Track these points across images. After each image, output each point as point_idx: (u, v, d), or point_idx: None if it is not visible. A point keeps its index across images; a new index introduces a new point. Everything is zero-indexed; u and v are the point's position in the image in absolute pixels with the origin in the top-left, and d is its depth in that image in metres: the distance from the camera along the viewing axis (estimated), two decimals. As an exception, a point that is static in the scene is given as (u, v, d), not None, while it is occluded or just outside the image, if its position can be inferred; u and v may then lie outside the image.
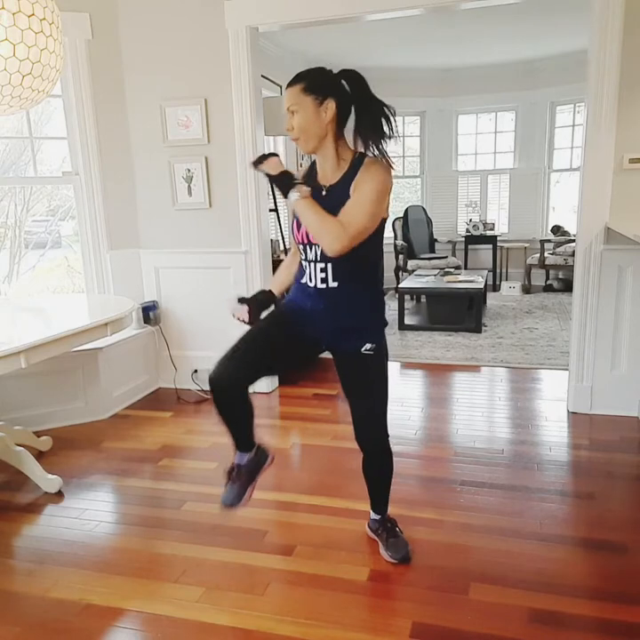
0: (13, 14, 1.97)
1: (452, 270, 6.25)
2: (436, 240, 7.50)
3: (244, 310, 1.92)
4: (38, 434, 3.09)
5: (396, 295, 5.77)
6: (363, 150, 1.80)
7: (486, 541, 2.16)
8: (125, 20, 3.58)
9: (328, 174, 1.83)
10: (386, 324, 1.99)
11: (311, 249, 1.83)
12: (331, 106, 1.73)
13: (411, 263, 6.90)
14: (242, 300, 1.95)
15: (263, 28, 3.46)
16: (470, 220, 7.45)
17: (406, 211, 7.17)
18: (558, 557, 2.06)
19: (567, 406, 3.40)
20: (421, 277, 6.00)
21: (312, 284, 1.87)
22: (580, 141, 5.27)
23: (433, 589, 1.92)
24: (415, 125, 7.72)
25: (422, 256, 7.03)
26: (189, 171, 3.65)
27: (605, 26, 2.88)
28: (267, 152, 1.87)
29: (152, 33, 3.55)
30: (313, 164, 1.89)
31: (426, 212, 7.44)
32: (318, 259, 1.83)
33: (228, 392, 1.86)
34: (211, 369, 1.84)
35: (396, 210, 7.99)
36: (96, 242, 3.72)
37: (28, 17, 2.01)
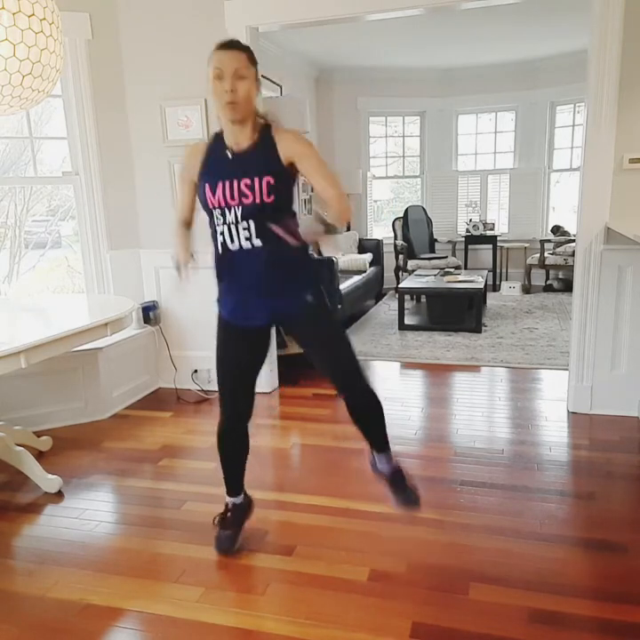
0: (13, 14, 1.97)
1: (452, 270, 6.25)
2: (436, 240, 7.50)
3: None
4: (38, 434, 3.09)
5: (396, 295, 5.77)
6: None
7: (486, 541, 2.16)
8: (125, 20, 3.58)
9: (239, 141, 1.86)
10: (319, 280, 2.02)
11: (230, 211, 1.84)
12: (259, 84, 1.85)
13: (411, 263, 6.90)
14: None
15: (263, 28, 3.46)
16: (470, 220, 7.45)
17: (406, 211, 7.17)
18: (558, 557, 2.06)
19: (567, 406, 3.40)
20: (421, 277, 6.00)
21: (235, 247, 1.87)
22: (580, 141, 5.27)
23: (433, 589, 1.92)
24: (415, 125, 7.72)
25: (422, 256, 7.03)
26: (189, 171, 3.65)
27: (605, 26, 2.88)
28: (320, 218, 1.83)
29: (152, 33, 3.55)
30: (217, 135, 1.91)
31: (426, 212, 7.44)
32: (239, 219, 1.84)
33: (239, 430, 2.09)
34: (220, 416, 2.07)
35: (395, 210, 8.00)
36: (96, 242, 3.73)
37: (28, 17, 2.01)
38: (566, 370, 3.52)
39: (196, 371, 3.89)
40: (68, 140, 3.62)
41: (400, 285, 5.83)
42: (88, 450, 3.08)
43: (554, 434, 3.10)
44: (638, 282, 3.13)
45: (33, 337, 2.35)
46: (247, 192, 1.82)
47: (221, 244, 1.89)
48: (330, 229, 1.82)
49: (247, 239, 1.85)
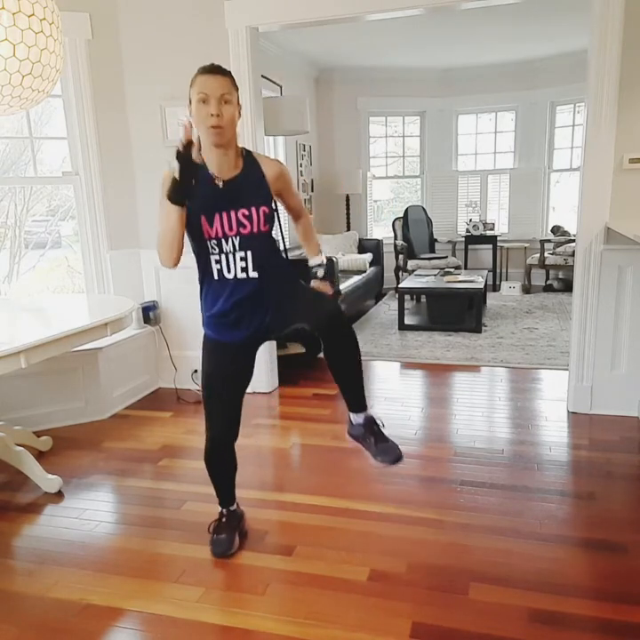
0: (13, 14, 1.97)
1: (452, 270, 6.25)
2: (436, 240, 7.50)
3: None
4: (38, 434, 3.09)
5: (396, 295, 5.77)
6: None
7: (486, 541, 2.16)
8: (125, 20, 3.58)
9: (226, 168, 1.86)
10: (292, 268, 2.09)
11: (228, 241, 1.86)
12: (241, 105, 1.86)
13: (411, 263, 6.90)
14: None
15: (263, 28, 3.46)
16: (470, 220, 7.45)
17: (406, 211, 7.16)
18: (558, 557, 2.06)
19: (567, 406, 3.40)
20: (421, 277, 6.00)
21: (231, 275, 1.89)
22: (580, 141, 5.27)
23: (433, 589, 1.92)
24: (415, 125, 7.72)
25: (422, 256, 7.03)
26: (189, 171, 3.64)
27: (605, 26, 2.88)
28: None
29: (152, 33, 3.55)
30: (195, 165, 1.74)
31: (426, 212, 7.44)
32: (237, 248, 1.87)
33: (227, 448, 2.10)
34: (207, 436, 2.07)
35: (396, 210, 8.00)
36: (96, 242, 3.73)
37: (28, 17, 2.01)
38: (566, 370, 3.52)
39: (195, 371, 3.88)
40: (68, 140, 3.62)
41: (400, 285, 5.83)
42: (88, 450, 3.08)
43: (554, 434, 3.10)
44: (638, 282, 3.13)
45: (33, 337, 2.35)
46: (245, 222, 1.85)
47: (217, 271, 1.90)
48: (330, 280, 2.04)
49: (243, 269, 1.88)
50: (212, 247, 1.88)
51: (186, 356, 3.91)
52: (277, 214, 1.98)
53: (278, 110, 4.62)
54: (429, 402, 3.69)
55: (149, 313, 3.84)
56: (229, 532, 2.18)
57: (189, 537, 2.25)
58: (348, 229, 7.23)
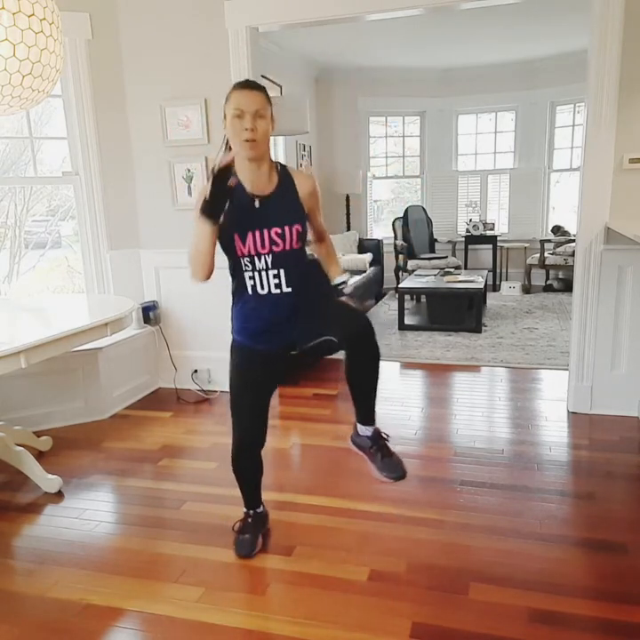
0: (13, 14, 1.97)
1: (452, 270, 6.25)
2: (436, 240, 7.50)
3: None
4: (38, 434, 3.09)
5: (396, 295, 5.76)
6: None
7: (486, 541, 2.16)
8: (125, 20, 3.58)
9: (260, 184, 1.87)
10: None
11: (260, 259, 1.87)
12: (274, 120, 1.87)
13: (411, 263, 6.90)
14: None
15: (263, 28, 3.46)
16: (470, 220, 7.45)
17: (406, 211, 7.17)
18: (558, 557, 2.06)
19: (567, 406, 3.40)
20: (421, 277, 6.00)
21: (264, 291, 1.90)
22: (580, 141, 5.27)
23: (433, 589, 1.92)
24: (415, 125, 7.72)
25: (422, 256, 7.03)
26: (189, 171, 3.65)
27: (605, 26, 2.88)
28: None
29: (152, 33, 3.55)
30: (229, 175, 1.74)
31: (426, 212, 7.44)
32: (270, 266, 1.88)
33: (255, 453, 2.11)
34: (235, 440, 2.08)
35: (395, 210, 8.00)
36: (96, 242, 3.73)
37: (28, 17, 2.01)
38: (566, 370, 3.52)
39: (195, 371, 3.89)
40: (68, 140, 3.62)
41: (400, 285, 5.83)
42: (88, 450, 3.08)
43: (554, 434, 3.10)
44: (638, 282, 3.13)
45: (33, 337, 2.35)
46: (278, 240, 1.86)
47: (251, 287, 1.92)
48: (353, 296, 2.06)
49: (277, 286, 1.89)
50: (246, 264, 1.89)
51: (186, 356, 3.91)
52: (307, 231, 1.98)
53: (278, 110, 4.60)
54: (429, 402, 3.69)
55: (149, 313, 3.84)
56: (254, 533, 2.18)
57: (189, 537, 2.25)
58: (348, 229, 7.22)
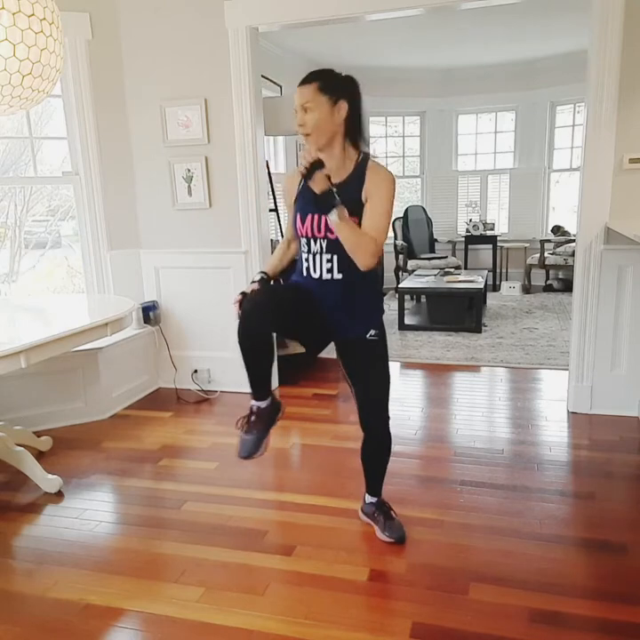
0: (13, 14, 1.97)
1: (452, 270, 6.25)
2: (435, 240, 7.51)
3: (253, 287, 2.00)
4: (38, 434, 3.09)
5: (396, 295, 5.76)
6: (365, 150, 1.94)
7: (486, 541, 2.16)
8: (125, 19, 3.58)
9: (333, 171, 1.89)
10: (383, 311, 2.13)
11: (316, 242, 1.94)
12: (343, 106, 1.85)
13: (411, 263, 6.90)
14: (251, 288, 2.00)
15: (263, 28, 3.46)
16: (470, 220, 7.45)
17: (406, 211, 7.17)
18: (558, 557, 2.06)
19: (567, 406, 3.40)
20: (421, 277, 6.00)
21: (316, 275, 1.97)
22: (580, 141, 5.27)
23: (433, 589, 1.92)
24: (415, 125, 7.72)
25: (422, 256, 7.03)
26: (189, 171, 3.65)
27: (605, 26, 2.88)
28: (313, 159, 1.82)
29: (152, 33, 3.55)
30: (317, 163, 1.84)
31: (426, 212, 7.44)
32: (324, 251, 1.93)
33: (265, 317, 1.85)
34: (247, 302, 1.88)
35: (395, 210, 7.96)
36: (96, 242, 3.73)
37: (28, 17, 2.01)
38: (566, 370, 3.52)
39: (196, 371, 3.89)
40: (67, 140, 3.62)
41: (400, 285, 5.83)
42: (88, 450, 3.07)
43: (554, 434, 3.10)
44: (638, 282, 3.13)
45: (33, 337, 2.35)
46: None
47: (306, 269, 1.97)
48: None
49: (328, 271, 1.94)
50: (303, 245, 1.98)
51: (186, 356, 3.91)
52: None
53: (278, 110, 4.61)
54: (429, 402, 3.69)
55: (149, 313, 3.84)
56: (258, 432, 2.00)
57: (189, 537, 2.25)
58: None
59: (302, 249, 1.99)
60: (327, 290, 1.95)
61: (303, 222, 1.93)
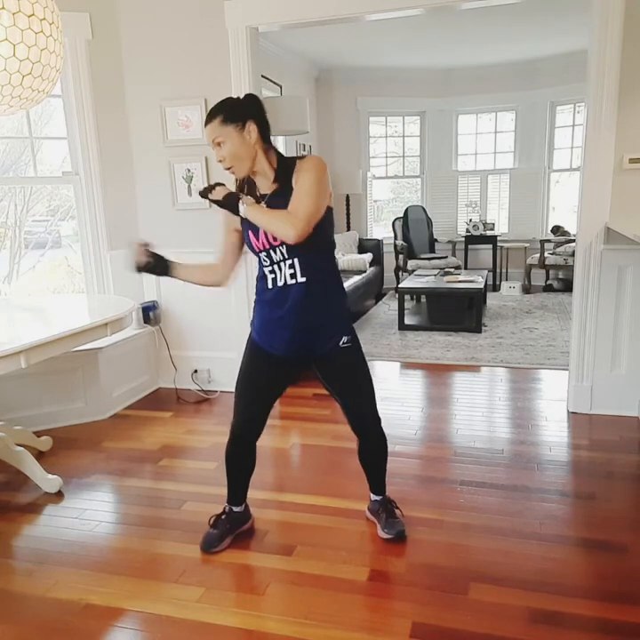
0: (13, 14, 1.97)
1: (452, 270, 6.25)
2: (436, 240, 7.50)
3: (141, 251, 2.03)
4: (38, 434, 3.09)
5: (396, 295, 5.76)
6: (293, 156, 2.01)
7: (486, 541, 2.16)
8: (125, 19, 3.58)
9: (265, 187, 1.95)
10: (350, 312, 2.17)
11: (275, 251, 1.93)
12: (252, 128, 1.87)
13: (411, 263, 6.90)
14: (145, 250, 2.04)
15: (263, 28, 3.46)
16: (470, 220, 7.45)
17: (406, 211, 7.17)
18: (558, 557, 2.06)
19: (567, 406, 3.40)
20: (421, 277, 6.00)
21: (281, 283, 1.96)
22: (580, 141, 5.27)
23: (433, 589, 1.92)
24: (415, 125, 7.72)
25: (422, 256, 7.03)
26: (189, 171, 3.65)
27: (605, 26, 2.88)
28: (211, 183, 1.96)
29: (152, 33, 3.55)
30: (251, 182, 1.98)
31: (426, 212, 7.44)
32: (286, 256, 1.93)
33: (246, 443, 2.14)
34: (231, 425, 2.12)
35: (395, 210, 8.00)
36: (96, 242, 3.73)
37: (28, 17, 2.01)
38: (566, 370, 3.53)
39: (195, 371, 3.89)
40: (67, 140, 3.62)
41: (400, 285, 5.82)
42: (88, 450, 3.08)
43: (554, 434, 3.10)
44: (638, 282, 3.13)
45: (33, 337, 2.34)
46: None
47: (272, 280, 1.98)
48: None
49: (292, 276, 1.94)
50: (264, 259, 1.97)
51: (186, 356, 3.91)
52: (322, 219, 1.87)
53: (278, 110, 4.61)
54: (429, 402, 3.69)
55: (149, 313, 3.84)
56: (222, 531, 2.19)
57: (189, 537, 2.25)
58: (348, 229, 7.23)
59: (263, 264, 1.98)
60: (291, 294, 1.95)
61: (257, 237, 1.93)
